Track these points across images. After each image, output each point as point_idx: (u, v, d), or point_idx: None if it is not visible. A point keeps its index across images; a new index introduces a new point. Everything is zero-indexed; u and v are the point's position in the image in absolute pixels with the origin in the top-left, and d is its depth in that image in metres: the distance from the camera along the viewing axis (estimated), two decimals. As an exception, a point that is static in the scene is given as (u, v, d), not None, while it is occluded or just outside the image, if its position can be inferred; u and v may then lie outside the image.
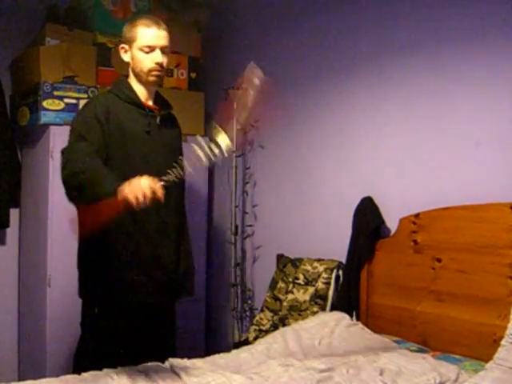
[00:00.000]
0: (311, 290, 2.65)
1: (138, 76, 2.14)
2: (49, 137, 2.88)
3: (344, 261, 2.62)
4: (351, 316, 2.46)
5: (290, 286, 2.76)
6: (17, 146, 3.21)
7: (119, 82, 2.21)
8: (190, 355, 2.11)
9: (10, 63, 3.21)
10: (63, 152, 1.98)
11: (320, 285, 2.63)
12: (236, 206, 3.32)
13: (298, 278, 2.74)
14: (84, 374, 1.85)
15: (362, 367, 1.88)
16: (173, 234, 2.19)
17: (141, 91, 2.16)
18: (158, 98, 2.24)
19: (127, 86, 2.16)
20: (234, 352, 2.21)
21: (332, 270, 2.63)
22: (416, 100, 2.46)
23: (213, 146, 1.80)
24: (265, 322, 2.80)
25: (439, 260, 2.26)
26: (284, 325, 2.63)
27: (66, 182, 1.90)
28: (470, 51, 2.26)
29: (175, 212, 2.21)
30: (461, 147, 2.28)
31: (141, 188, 1.69)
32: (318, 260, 2.73)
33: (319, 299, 2.61)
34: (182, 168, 1.78)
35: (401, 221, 2.43)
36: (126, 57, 2.16)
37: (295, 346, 2.21)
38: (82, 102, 2.68)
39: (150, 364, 1.96)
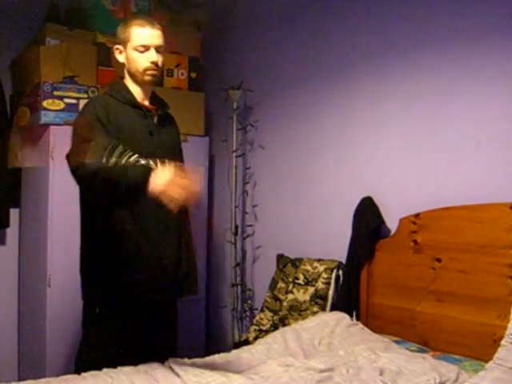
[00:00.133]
0: (311, 289, 2.65)
1: (133, 76, 2.14)
2: (49, 137, 2.88)
3: (344, 261, 2.62)
4: (351, 316, 2.46)
5: (290, 286, 2.76)
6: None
7: (115, 83, 2.20)
8: (190, 355, 2.11)
9: (10, 63, 3.21)
10: (68, 157, 1.97)
11: (320, 285, 2.63)
12: (236, 206, 3.32)
13: (298, 278, 2.74)
14: (84, 374, 1.85)
15: (362, 367, 1.88)
16: (174, 232, 2.18)
17: (137, 92, 2.16)
18: (154, 97, 2.24)
19: (123, 88, 2.15)
20: (234, 352, 2.21)
21: (332, 270, 2.63)
22: (416, 100, 2.46)
23: None
24: (265, 321, 2.80)
25: (439, 260, 2.26)
26: (284, 325, 2.63)
27: (82, 185, 1.92)
28: (470, 51, 2.26)
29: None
30: (461, 147, 2.28)
31: (179, 186, 1.69)
32: (318, 260, 2.73)
33: (319, 299, 2.61)
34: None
35: (401, 221, 2.43)
36: (120, 57, 2.16)
37: (295, 346, 2.20)
38: (82, 102, 2.68)
39: (149, 364, 1.96)
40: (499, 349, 1.78)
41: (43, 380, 1.81)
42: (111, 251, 2.05)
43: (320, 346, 2.21)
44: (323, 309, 2.60)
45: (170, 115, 2.33)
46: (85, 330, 2.15)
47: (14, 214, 3.19)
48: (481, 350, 2.01)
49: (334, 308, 2.59)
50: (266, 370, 1.90)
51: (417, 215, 2.36)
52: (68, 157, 1.97)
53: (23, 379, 1.83)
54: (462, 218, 2.20)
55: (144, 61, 2.10)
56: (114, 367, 1.90)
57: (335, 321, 2.35)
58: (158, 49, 2.12)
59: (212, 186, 3.60)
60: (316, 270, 2.68)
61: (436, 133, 2.38)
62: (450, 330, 2.18)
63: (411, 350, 2.12)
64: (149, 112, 2.17)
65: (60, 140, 2.74)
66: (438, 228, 2.28)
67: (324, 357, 2.03)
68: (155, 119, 2.18)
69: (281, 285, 2.83)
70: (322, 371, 1.84)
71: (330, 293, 2.61)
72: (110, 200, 1.97)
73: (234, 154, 3.29)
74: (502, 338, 1.82)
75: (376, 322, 2.47)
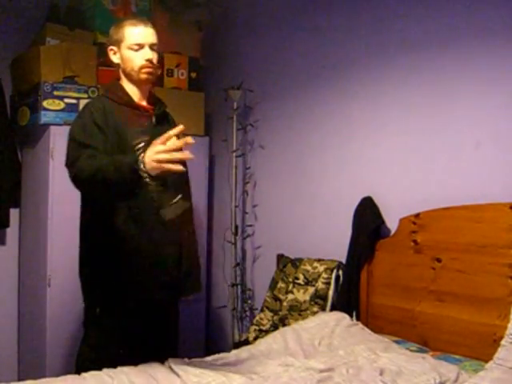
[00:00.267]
0: (311, 289, 2.65)
1: (129, 76, 2.13)
2: (49, 137, 2.88)
3: (344, 261, 2.62)
4: (351, 316, 2.46)
5: (290, 285, 2.76)
6: (17, 146, 3.21)
7: (111, 85, 2.19)
8: (190, 355, 2.11)
9: (10, 63, 3.21)
10: (67, 165, 1.95)
11: (320, 285, 2.63)
12: (236, 206, 3.32)
13: (298, 278, 2.74)
14: (84, 374, 1.85)
15: (361, 367, 1.88)
16: (175, 231, 2.18)
17: (134, 92, 2.15)
18: (151, 97, 2.23)
19: (120, 88, 2.14)
20: (234, 352, 2.20)
21: (332, 270, 2.63)
22: (416, 100, 2.46)
23: None
24: (265, 321, 2.80)
25: (439, 260, 2.26)
26: (284, 325, 2.63)
27: (85, 191, 1.93)
28: (471, 51, 2.26)
29: None
30: (461, 147, 2.28)
31: (166, 150, 1.69)
32: (318, 260, 2.73)
33: (319, 299, 2.61)
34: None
35: (401, 221, 2.43)
36: (115, 58, 2.16)
37: (295, 346, 2.20)
38: (83, 102, 2.68)
39: (150, 364, 1.96)
40: (499, 349, 1.78)
41: (43, 380, 1.81)
42: (111, 250, 2.05)
43: (320, 346, 2.21)
44: (323, 309, 2.60)
45: (169, 114, 2.32)
46: (85, 329, 2.15)
47: (14, 214, 3.19)
48: (481, 350, 2.01)
49: (333, 308, 2.59)
50: (265, 370, 1.91)
51: (417, 215, 2.36)
52: (67, 166, 1.95)
53: (23, 379, 1.83)
54: (462, 218, 2.20)
55: (139, 59, 2.09)
56: (114, 367, 1.90)
57: (335, 321, 2.35)
58: (152, 47, 2.11)
59: (212, 186, 3.60)
60: (316, 270, 2.68)
61: (436, 133, 2.38)
62: (450, 330, 2.18)
63: (411, 350, 2.12)
64: (146, 112, 2.16)
65: (60, 140, 2.73)
66: (438, 228, 2.28)
67: (324, 357, 2.03)
68: (153, 119, 2.18)
69: (281, 285, 2.83)
70: (321, 371, 1.84)
71: (330, 293, 2.61)
72: (115, 197, 1.95)
73: (234, 154, 3.29)
74: (501, 337, 1.82)
75: (376, 322, 2.47)
